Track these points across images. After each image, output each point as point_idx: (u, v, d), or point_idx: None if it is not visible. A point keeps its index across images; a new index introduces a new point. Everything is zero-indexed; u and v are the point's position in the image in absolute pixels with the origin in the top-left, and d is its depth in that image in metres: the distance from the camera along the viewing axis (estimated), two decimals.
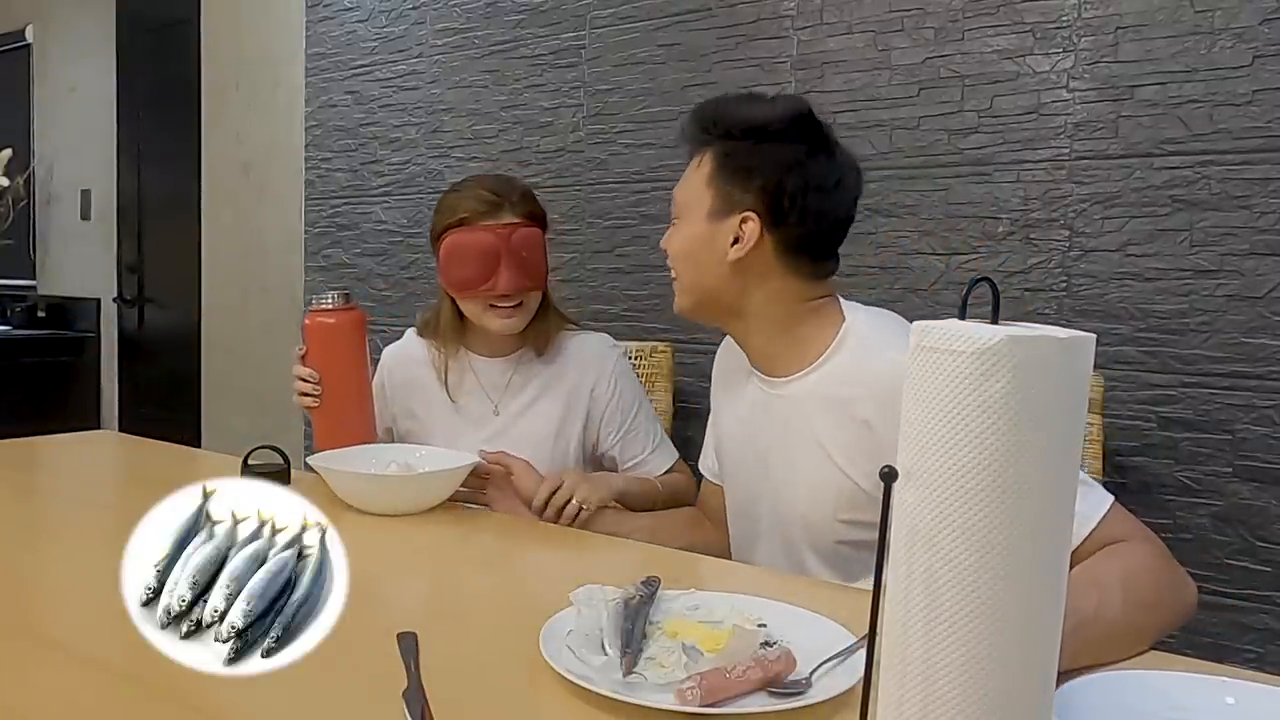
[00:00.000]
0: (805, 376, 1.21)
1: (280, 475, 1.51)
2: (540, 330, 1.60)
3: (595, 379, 1.60)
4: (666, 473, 1.63)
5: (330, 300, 1.51)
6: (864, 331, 1.18)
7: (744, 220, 1.18)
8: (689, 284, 1.25)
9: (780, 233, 1.18)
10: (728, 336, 1.34)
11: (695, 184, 1.23)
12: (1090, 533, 0.99)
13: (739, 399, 1.32)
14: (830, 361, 1.19)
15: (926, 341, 0.55)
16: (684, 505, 1.56)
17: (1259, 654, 1.52)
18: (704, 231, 1.21)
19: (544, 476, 1.40)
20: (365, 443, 1.53)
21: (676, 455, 1.67)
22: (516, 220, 1.53)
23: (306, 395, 1.51)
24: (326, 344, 1.51)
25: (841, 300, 1.24)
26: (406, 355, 1.66)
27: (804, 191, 1.17)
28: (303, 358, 1.52)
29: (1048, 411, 0.54)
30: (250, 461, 1.51)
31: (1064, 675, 0.66)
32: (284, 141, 3.11)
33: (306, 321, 1.52)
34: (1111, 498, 1.02)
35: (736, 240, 1.19)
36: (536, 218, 1.56)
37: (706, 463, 1.47)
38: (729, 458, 1.36)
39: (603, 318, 2.23)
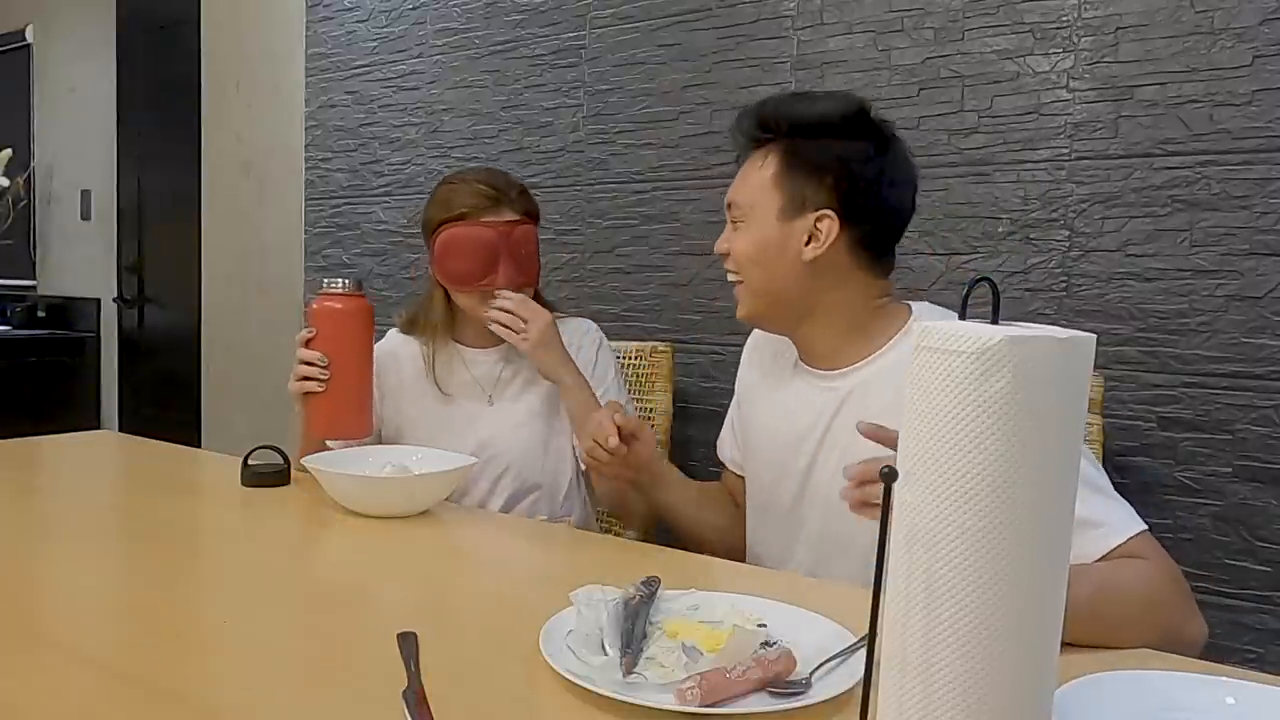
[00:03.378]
0: (865, 366, 1.20)
1: (280, 475, 1.51)
2: None
3: (579, 346, 1.60)
4: None
5: (341, 285, 1.48)
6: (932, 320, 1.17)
7: (820, 218, 1.16)
8: (758, 288, 1.21)
9: (854, 229, 1.16)
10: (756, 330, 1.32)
11: (760, 184, 1.19)
12: (1116, 546, 0.99)
13: (781, 389, 1.30)
14: (895, 350, 1.18)
15: (926, 341, 0.55)
16: None
17: (1259, 654, 1.52)
18: (775, 233, 1.18)
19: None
20: (365, 435, 1.51)
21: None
22: (515, 217, 1.52)
23: (310, 380, 1.45)
24: (336, 328, 1.46)
25: (911, 303, 1.24)
26: (392, 354, 1.65)
27: (878, 185, 1.16)
28: (308, 341, 1.46)
29: (1048, 411, 0.54)
30: (250, 461, 1.51)
31: (1064, 676, 0.66)
32: (284, 141, 3.11)
33: (315, 305, 1.48)
34: (1145, 526, 1.02)
35: (811, 239, 1.16)
36: (532, 215, 1.56)
37: (726, 451, 1.46)
38: (760, 446, 1.34)
39: (603, 318, 2.22)
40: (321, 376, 1.45)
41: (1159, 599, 0.97)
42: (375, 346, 1.65)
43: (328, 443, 1.50)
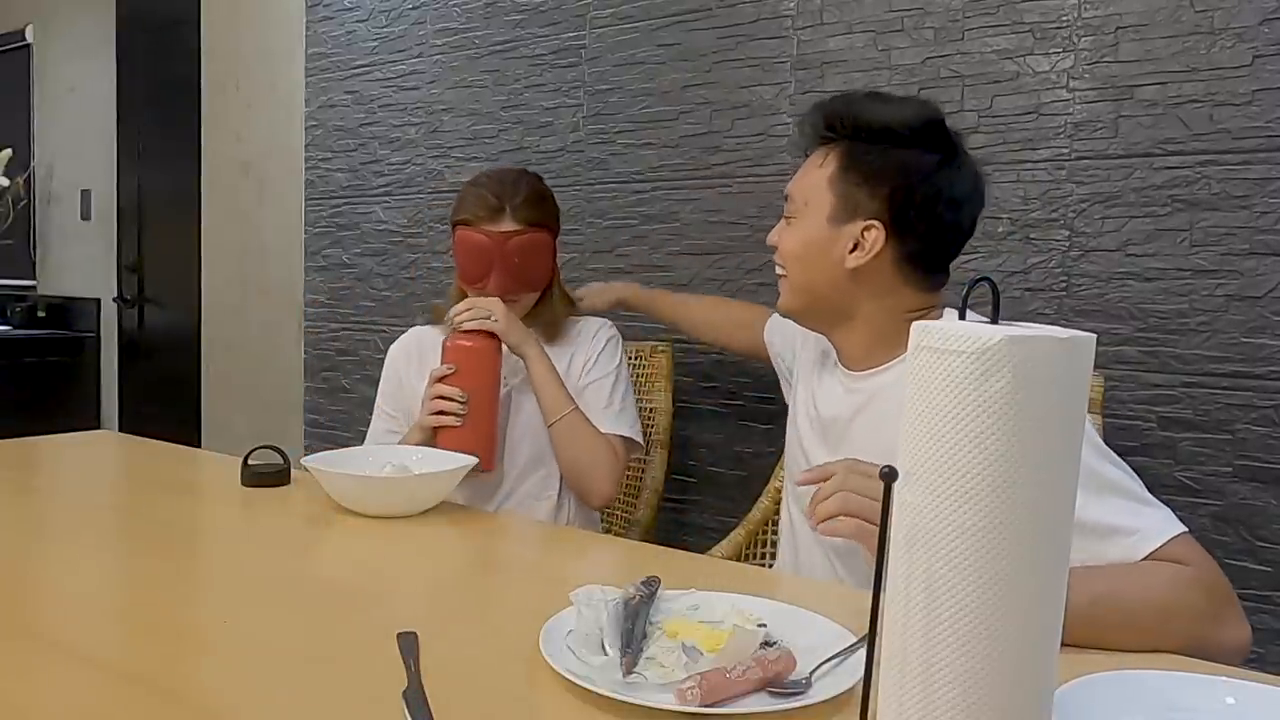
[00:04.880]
0: (888, 370, 1.19)
1: (280, 475, 1.51)
2: (548, 319, 1.65)
3: (592, 337, 1.67)
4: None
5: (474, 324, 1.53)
6: None
7: (867, 228, 1.13)
8: (799, 285, 1.21)
9: (902, 243, 1.14)
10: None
11: (816, 183, 1.18)
12: (1150, 552, 0.96)
13: (822, 378, 1.31)
14: None
15: (926, 341, 0.55)
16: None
17: (1259, 654, 1.51)
18: (823, 235, 1.16)
19: None
20: (491, 468, 1.56)
21: (631, 433, 1.63)
22: (514, 228, 1.56)
23: (447, 415, 1.50)
24: (476, 365, 1.52)
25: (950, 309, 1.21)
26: (417, 341, 1.73)
27: (933, 202, 1.12)
28: (443, 378, 1.52)
29: (1048, 411, 0.54)
30: (250, 462, 1.51)
31: (1064, 675, 0.66)
32: (284, 141, 3.11)
33: (453, 342, 1.53)
34: (1184, 528, 0.99)
35: (856, 247, 1.14)
36: (538, 223, 1.58)
37: (795, 465, 1.46)
38: (795, 424, 1.36)
39: (602, 317, 2.23)
40: (461, 411, 1.50)
41: (1181, 606, 0.94)
42: (398, 341, 1.75)
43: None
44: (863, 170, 1.14)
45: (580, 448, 1.55)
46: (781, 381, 1.53)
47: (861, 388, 1.22)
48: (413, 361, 1.70)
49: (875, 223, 1.13)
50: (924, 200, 1.12)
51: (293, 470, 1.52)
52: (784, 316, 1.28)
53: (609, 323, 1.73)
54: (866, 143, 1.15)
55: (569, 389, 1.59)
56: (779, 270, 1.24)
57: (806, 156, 1.23)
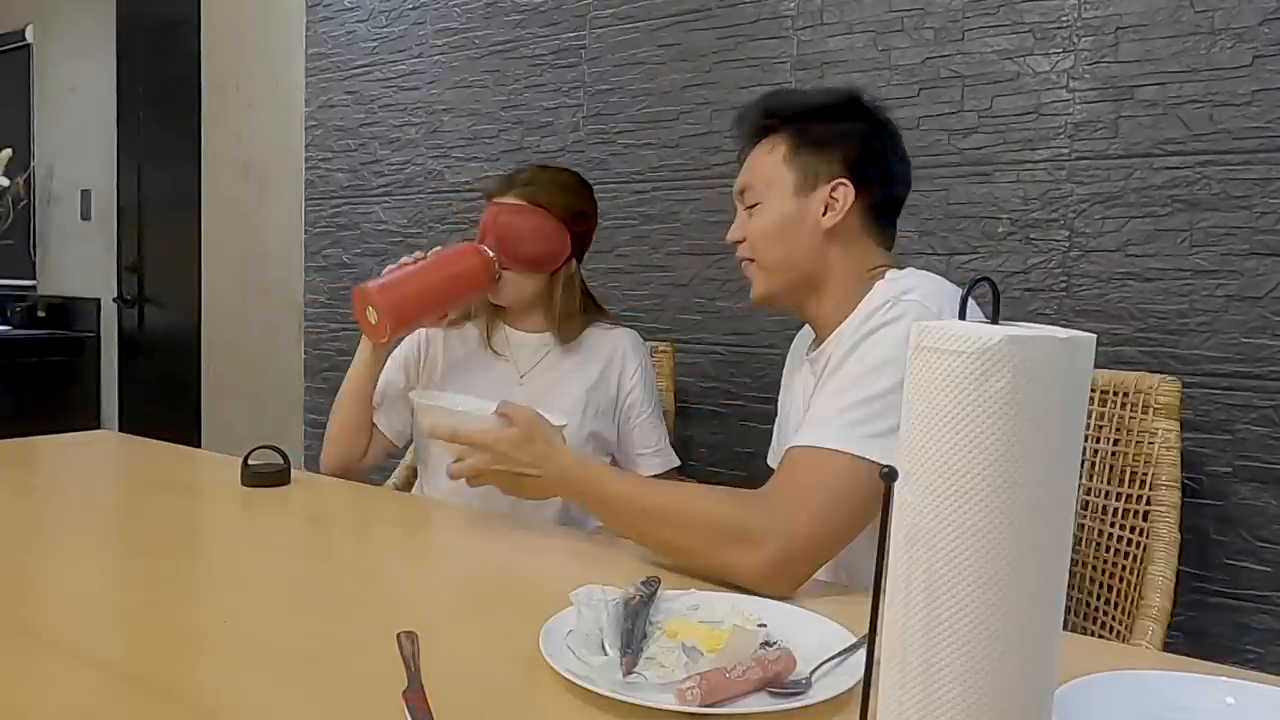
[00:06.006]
0: (834, 335, 1.19)
1: (280, 475, 1.51)
2: (564, 318, 1.66)
3: (624, 364, 1.68)
4: (663, 477, 1.67)
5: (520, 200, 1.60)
6: (882, 287, 1.15)
7: (836, 186, 1.21)
8: (774, 264, 1.25)
9: (868, 194, 1.22)
10: (801, 330, 1.36)
11: (771, 165, 1.25)
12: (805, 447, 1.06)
13: (794, 379, 1.35)
14: (858, 312, 1.15)
15: (926, 341, 0.55)
16: None
17: (1259, 654, 1.52)
18: (793, 207, 1.22)
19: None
20: (389, 320, 1.53)
21: (678, 463, 1.70)
22: (511, 201, 1.61)
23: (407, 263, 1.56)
24: (444, 258, 1.58)
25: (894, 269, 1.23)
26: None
27: (883, 153, 1.23)
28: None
29: (1048, 411, 0.54)
30: (250, 462, 1.51)
31: (1064, 675, 0.67)
32: (284, 141, 3.11)
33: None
34: (848, 452, 1.04)
35: (828, 208, 1.21)
36: (541, 203, 1.61)
37: (772, 459, 1.47)
38: (779, 435, 1.39)
39: None
40: (405, 264, 1.55)
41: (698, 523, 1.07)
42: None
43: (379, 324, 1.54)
44: (813, 142, 1.22)
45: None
46: None
47: (818, 365, 1.22)
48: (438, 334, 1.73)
49: (842, 180, 1.20)
50: (875, 154, 1.22)
51: (293, 470, 1.52)
52: (758, 305, 1.32)
53: (639, 339, 1.73)
54: (808, 121, 1.24)
55: (599, 402, 1.63)
56: (745, 260, 1.29)
57: (741, 159, 1.30)
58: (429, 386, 1.68)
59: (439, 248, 1.61)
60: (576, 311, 1.67)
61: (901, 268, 1.21)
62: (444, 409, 1.36)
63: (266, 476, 1.50)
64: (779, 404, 1.43)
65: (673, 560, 1.10)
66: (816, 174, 1.22)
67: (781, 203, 1.23)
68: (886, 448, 1.02)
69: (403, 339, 1.69)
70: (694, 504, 1.10)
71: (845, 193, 1.20)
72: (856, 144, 1.22)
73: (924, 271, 1.20)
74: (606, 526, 1.21)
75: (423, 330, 1.72)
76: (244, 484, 1.49)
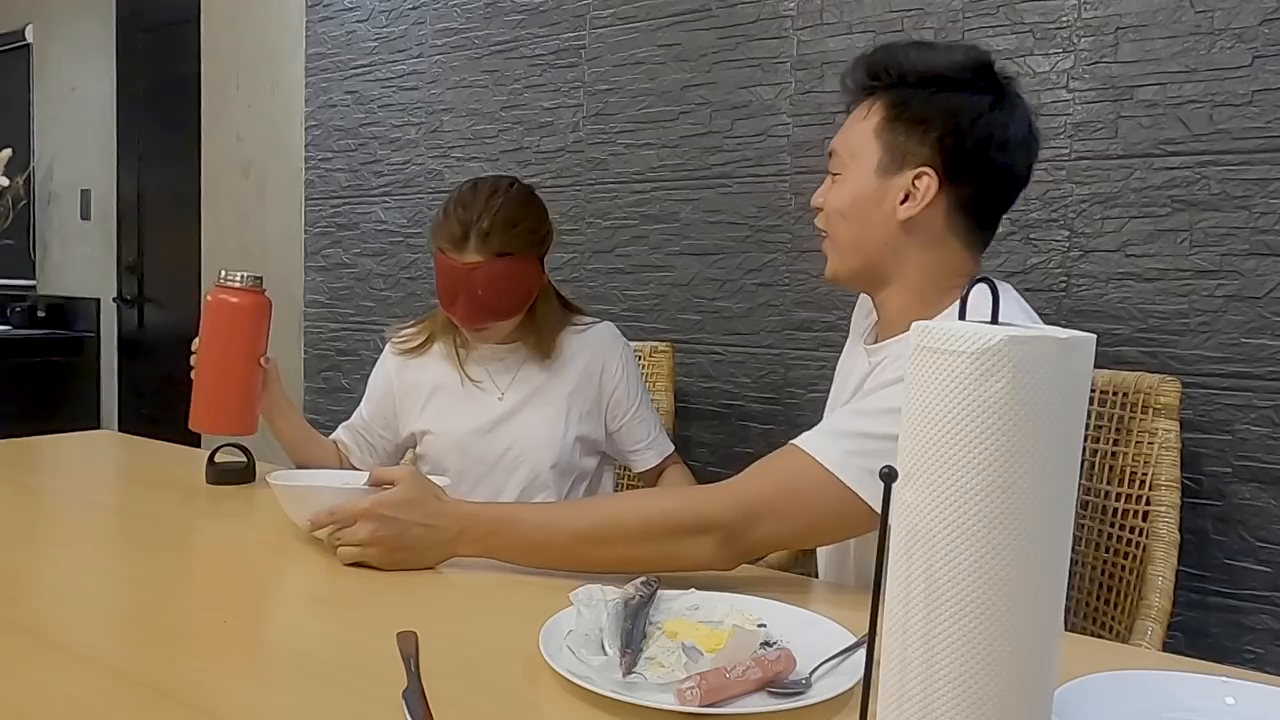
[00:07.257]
0: (899, 341, 1.12)
1: (244, 472, 1.52)
2: (540, 334, 1.62)
3: (604, 363, 1.65)
4: (661, 466, 1.68)
5: (239, 279, 1.47)
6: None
7: (918, 175, 1.07)
8: (848, 244, 1.14)
9: (956, 190, 1.08)
10: (861, 297, 1.27)
11: (861, 135, 1.11)
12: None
13: (851, 352, 1.28)
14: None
15: (926, 341, 0.55)
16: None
17: (1259, 654, 1.52)
18: (872, 187, 1.10)
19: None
20: (245, 432, 1.50)
21: (673, 448, 1.71)
22: (477, 260, 1.50)
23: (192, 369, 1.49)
24: (225, 321, 1.47)
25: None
26: (414, 340, 1.70)
27: (985, 145, 1.07)
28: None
29: (1048, 411, 0.54)
30: (216, 460, 1.53)
31: (1064, 675, 0.67)
32: (284, 141, 3.11)
33: (208, 296, 1.48)
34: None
35: (907, 198, 1.08)
36: (507, 252, 1.51)
37: None
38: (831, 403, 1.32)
39: (603, 317, 2.23)
40: (193, 364, 1.48)
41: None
42: (393, 341, 1.71)
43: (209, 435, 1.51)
44: (910, 117, 1.09)
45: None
46: None
47: (873, 360, 1.16)
48: (404, 366, 1.69)
49: (927, 169, 1.07)
50: (976, 144, 1.07)
51: (257, 467, 1.53)
52: (830, 283, 1.21)
53: (616, 331, 1.70)
54: (913, 88, 1.09)
55: (583, 403, 1.62)
56: (821, 234, 1.18)
57: (849, 113, 1.16)
58: (411, 415, 1.66)
59: (197, 338, 1.50)
60: (555, 322, 1.64)
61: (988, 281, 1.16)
62: (313, 489, 1.26)
63: (230, 474, 1.51)
64: (836, 368, 1.34)
65: (620, 572, 1.01)
66: (905, 154, 1.08)
67: (862, 179, 1.11)
68: (873, 489, 0.99)
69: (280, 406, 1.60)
70: (641, 509, 1.06)
71: (928, 184, 1.07)
72: (958, 127, 1.07)
73: (1005, 285, 1.08)
74: (533, 566, 1.09)
75: (388, 365, 1.68)
76: (209, 482, 1.50)
